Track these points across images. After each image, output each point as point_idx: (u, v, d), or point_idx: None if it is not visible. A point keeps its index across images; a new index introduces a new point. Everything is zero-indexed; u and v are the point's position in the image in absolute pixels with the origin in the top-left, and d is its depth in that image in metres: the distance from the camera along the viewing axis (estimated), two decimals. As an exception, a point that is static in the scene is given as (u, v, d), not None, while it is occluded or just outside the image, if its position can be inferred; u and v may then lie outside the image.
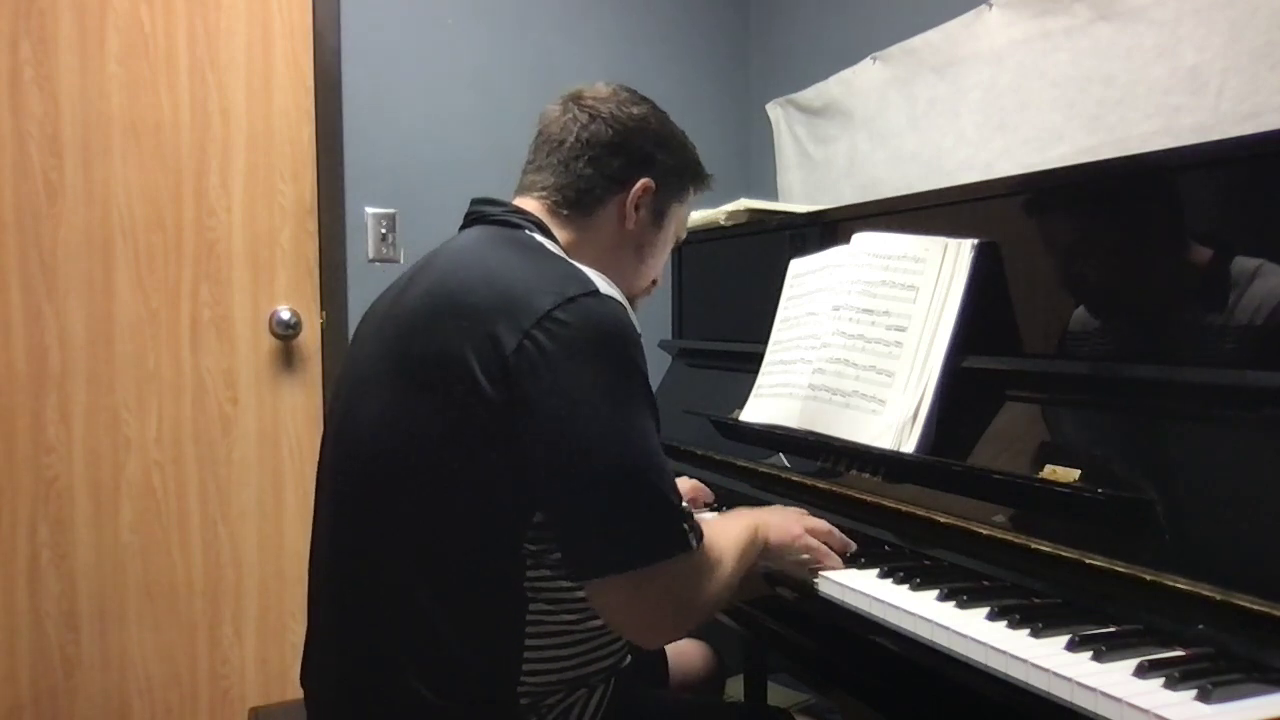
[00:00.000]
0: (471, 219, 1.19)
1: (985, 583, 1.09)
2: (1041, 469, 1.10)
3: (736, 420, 1.65)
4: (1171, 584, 0.91)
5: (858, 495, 1.34)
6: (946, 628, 0.96)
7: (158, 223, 2.19)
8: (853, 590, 1.11)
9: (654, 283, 1.30)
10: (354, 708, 1.07)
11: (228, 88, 2.24)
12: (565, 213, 1.18)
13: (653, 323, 2.36)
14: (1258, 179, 1.03)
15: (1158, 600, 0.92)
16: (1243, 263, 1.03)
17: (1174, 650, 0.87)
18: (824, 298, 1.54)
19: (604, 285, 1.03)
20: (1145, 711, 0.76)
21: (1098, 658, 0.85)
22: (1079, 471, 1.05)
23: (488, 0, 2.51)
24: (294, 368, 2.33)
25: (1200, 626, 0.88)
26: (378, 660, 1.02)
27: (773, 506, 1.27)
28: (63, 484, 2.12)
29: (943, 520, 1.19)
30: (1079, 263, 1.24)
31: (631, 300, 1.24)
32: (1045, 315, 1.26)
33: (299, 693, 1.20)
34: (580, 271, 1.04)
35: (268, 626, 2.31)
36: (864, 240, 1.49)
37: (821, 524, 1.22)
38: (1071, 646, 0.88)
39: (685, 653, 1.52)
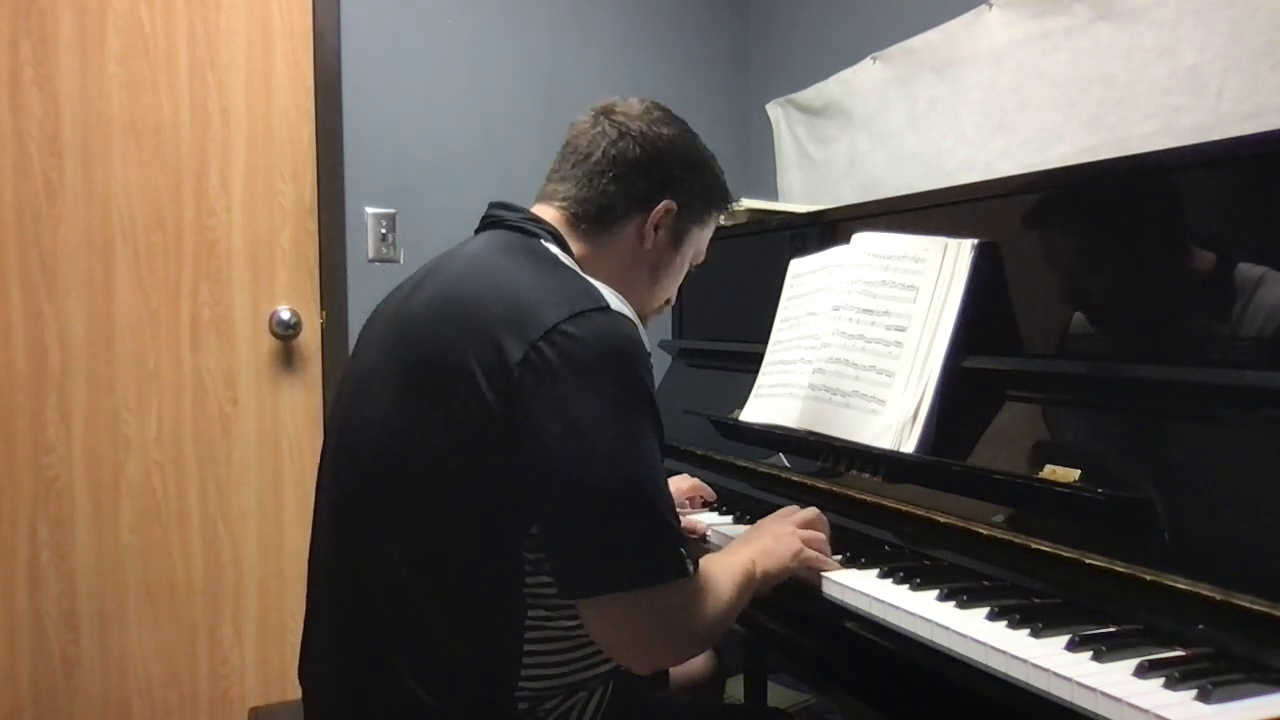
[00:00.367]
0: (487, 223, 1.19)
1: (985, 583, 1.09)
2: (1041, 469, 1.10)
3: (736, 420, 1.65)
4: (1171, 584, 0.91)
5: (858, 495, 1.34)
6: (946, 628, 0.96)
7: (158, 223, 2.19)
8: (853, 590, 1.11)
9: (667, 302, 1.30)
10: (352, 709, 1.07)
11: (228, 88, 2.24)
12: (583, 226, 1.17)
13: (653, 323, 2.36)
14: (1258, 179, 1.03)
15: (1158, 600, 0.92)
16: (1242, 263, 1.03)
17: (1174, 650, 0.87)
18: (824, 298, 1.54)
19: (615, 301, 1.02)
20: (1145, 711, 0.76)
21: (1098, 658, 0.85)
22: (1079, 471, 1.05)
23: (488, 0, 2.51)
24: (294, 368, 2.33)
25: (1200, 626, 0.88)
26: (376, 662, 1.02)
27: (765, 524, 1.23)
28: (63, 484, 2.12)
29: (943, 520, 1.19)
30: (1079, 263, 1.24)
31: (642, 319, 1.23)
32: (1045, 315, 1.26)
33: (299, 693, 1.20)
34: (592, 286, 1.03)
35: (268, 626, 2.31)
36: (864, 240, 1.49)
37: (817, 521, 1.21)
38: (1071, 646, 0.88)
39: (685, 653, 1.52)
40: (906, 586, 1.09)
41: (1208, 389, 1.01)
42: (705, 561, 1.05)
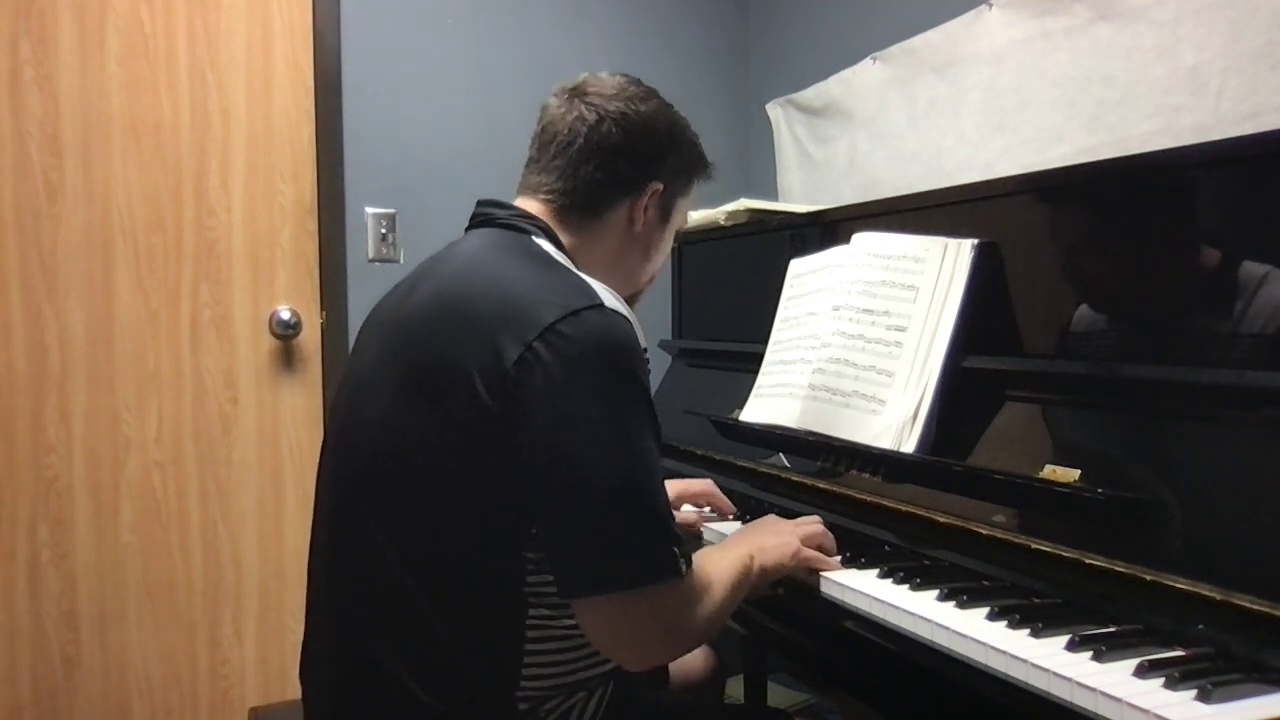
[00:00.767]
0: (477, 221, 1.18)
1: (985, 583, 1.09)
2: (1041, 469, 1.10)
3: (736, 420, 1.65)
4: (1171, 584, 0.91)
5: (858, 495, 1.34)
6: (946, 628, 0.96)
7: (158, 223, 2.18)
8: (853, 590, 1.11)
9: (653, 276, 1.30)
10: (352, 709, 1.07)
11: (228, 88, 2.24)
12: (572, 217, 1.16)
13: (653, 323, 2.35)
14: (1258, 179, 1.03)
15: (1158, 600, 0.92)
16: (1243, 263, 1.03)
17: (1174, 650, 0.87)
18: (824, 298, 1.54)
19: (609, 298, 1.02)
20: (1145, 711, 0.76)
21: (1098, 658, 0.85)
22: (1079, 471, 1.05)
23: (488, 0, 2.51)
24: (294, 368, 2.33)
25: (1200, 626, 0.88)
26: (375, 662, 1.02)
27: (764, 523, 1.24)
28: (63, 484, 2.12)
29: (943, 520, 1.19)
30: (1079, 262, 1.24)
31: (634, 296, 1.23)
32: (1045, 315, 1.26)
33: (299, 693, 1.20)
34: (585, 284, 1.03)
35: (268, 626, 2.31)
36: (864, 240, 1.49)
37: (816, 529, 1.21)
38: (1071, 646, 0.88)
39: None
40: (906, 586, 1.09)
41: (1208, 389, 1.01)
42: (700, 558, 1.05)
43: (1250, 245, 1.02)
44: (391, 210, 2.41)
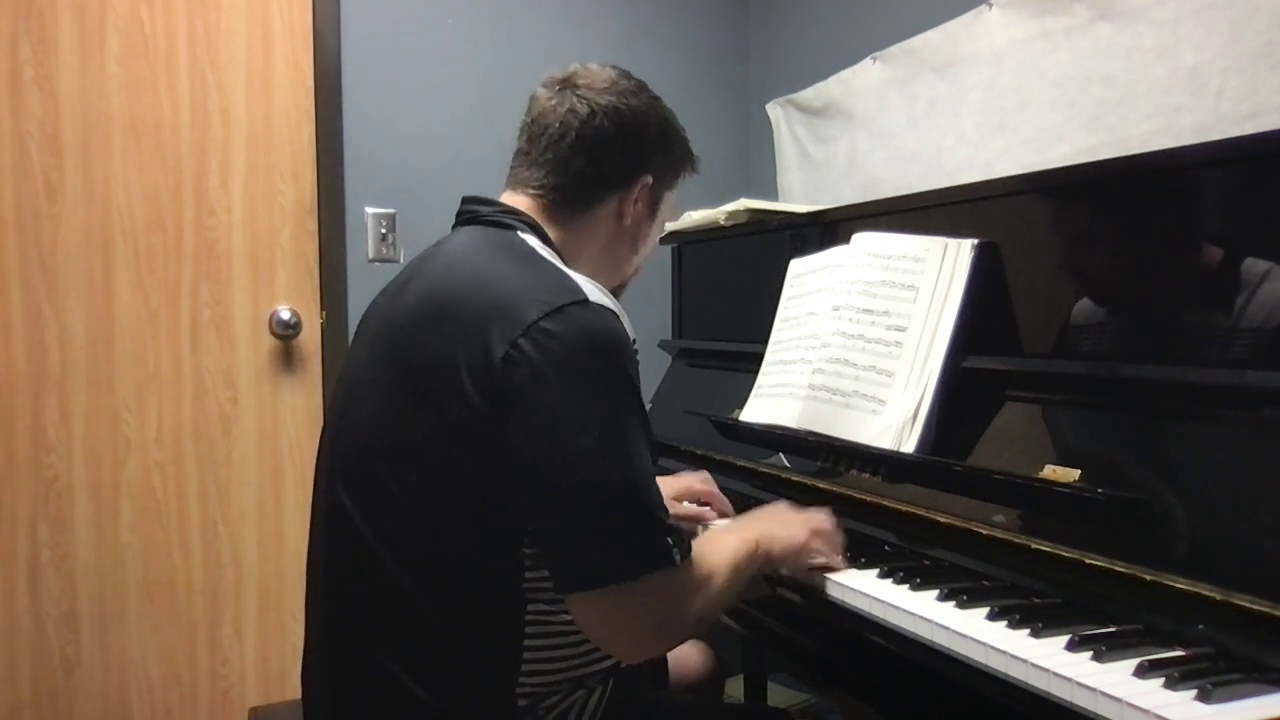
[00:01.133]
0: (464, 218, 1.18)
1: (985, 583, 1.09)
2: (1041, 469, 1.10)
3: (736, 420, 1.65)
4: (1171, 584, 0.91)
5: (858, 495, 1.34)
6: (946, 628, 0.96)
7: (158, 223, 2.18)
8: (853, 590, 1.11)
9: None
10: (351, 709, 1.07)
11: (228, 88, 2.24)
12: (561, 212, 1.16)
13: (653, 323, 2.36)
14: (1258, 179, 1.03)
15: (1158, 600, 0.92)
16: (1242, 263, 1.03)
17: (1174, 650, 0.87)
18: (824, 298, 1.54)
19: (594, 292, 1.02)
20: (1145, 711, 0.76)
21: (1098, 658, 0.85)
22: (1079, 471, 1.05)
23: (488, 0, 2.51)
24: (294, 368, 2.33)
25: (1200, 626, 0.88)
26: (374, 662, 1.02)
27: (776, 509, 1.23)
28: (63, 484, 2.12)
29: (943, 520, 1.19)
30: (1079, 262, 1.24)
31: (620, 287, 1.23)
32: (1045, 315, 1.26)
33: (299, 693, 1.20)
34: (570, 279, 1.03)
35: (268, 626, 2.31)
36: (864, 240, 1.49)
37: (828, 523, 1.20)
38: (1071, 646, 0.88)
39: (685, 653, 1.52)
40: (906, 586, 1.09)
41: (1208, 389, 1.01)
42: (701, 543, 1.05)
43: (1250, 245, 1.02)
44: (391, 210, 2.41)
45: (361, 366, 1.10)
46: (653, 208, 1.23)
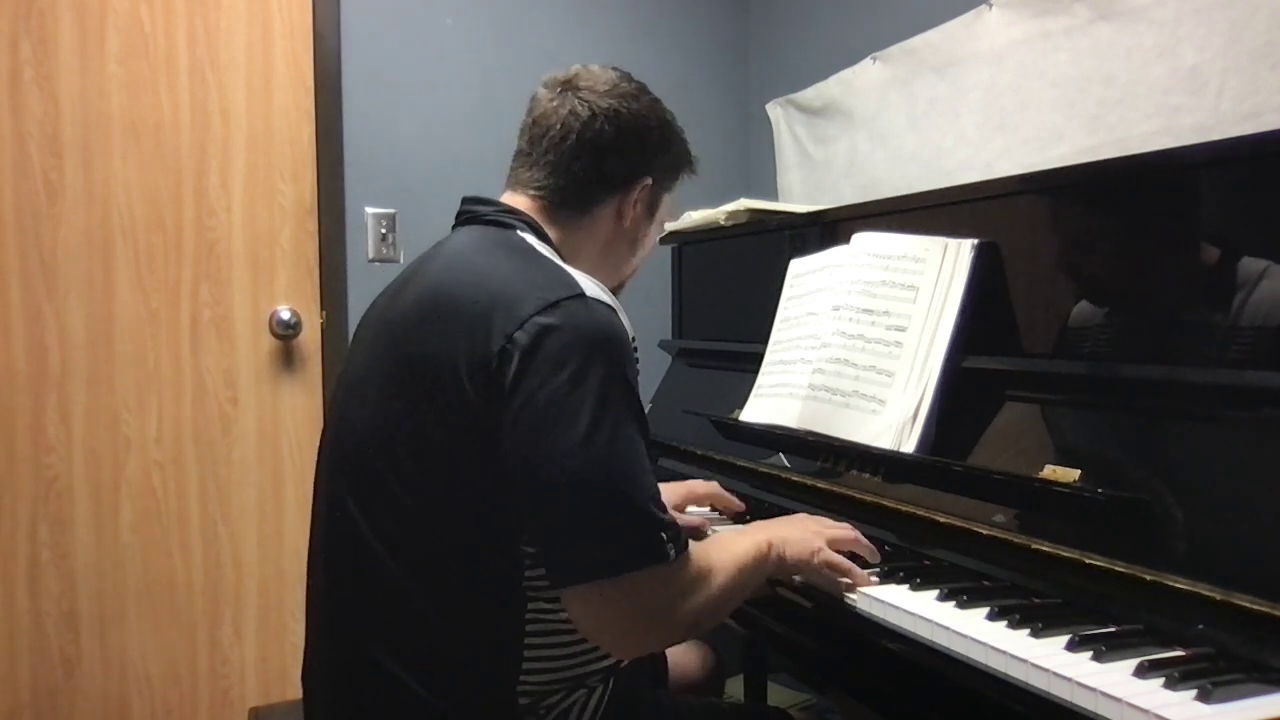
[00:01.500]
0: (463, 219, 1.19)
1: (985, 583, 1.09)
2: (1041, 469, 1.10)
3: (736, 420, 1.65)
4: (1171, 584, 0.91)
5: (857, 495, 1.34)
6: (946, 628, 0.96)
7: (158, 223, 2.18)
8: (852, 590, 1.11)
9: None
10: (351, 709, 1.07)
11: (228, 88, 2.24)
12: (561, 212, 1.16)
13: (653, 323, 2.36)
14: (1258, 179, 1.03)
15: (1158, 600, 0.92)
16: (1242, 263, 1.03)
17: (1174, 650, 0.87)
18: (824, 298, 1.54)
19: (591, 288, 1.02)
20: (1145, 711, 0.76)
21: (1098, 658, 0.85)
22: (1079, 471, 1.05)
23: (488, 0, 2.51)
24: (294, 368, 2.33)
25: (1200, 626, 0.88)
26: (374, 662, 1.02)
27: (793, 518, 1.22)
28: (63, 484, 2.12)
29: (943, 520, 1.19)
30: (1079, 262, 1.24)
31: (618, 286, 1.23)
32: (1045, 315, 1.26)
33: (299, 693, 1.20)
34: (567, 274, 1.03)
35: (268, 626, 2.31)
36: (864, 240, 1.49)
37: (846, 533, 1.18)
38: (1071, 646, 0.88)
39: (685, 653, 1.52)
40: (906, 586, 1.09)
41: (1208, 389, 1.01)
42: (704, 544, 1.05)
43: (1250, 245, 1.02)
44: (391, 210, 2.41)
45: (361, 366, 1.11)
46: (652, 209, 1.24)
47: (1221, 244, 1.06)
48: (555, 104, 1.16)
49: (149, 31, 2.16)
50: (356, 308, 2.35)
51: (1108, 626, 0.93)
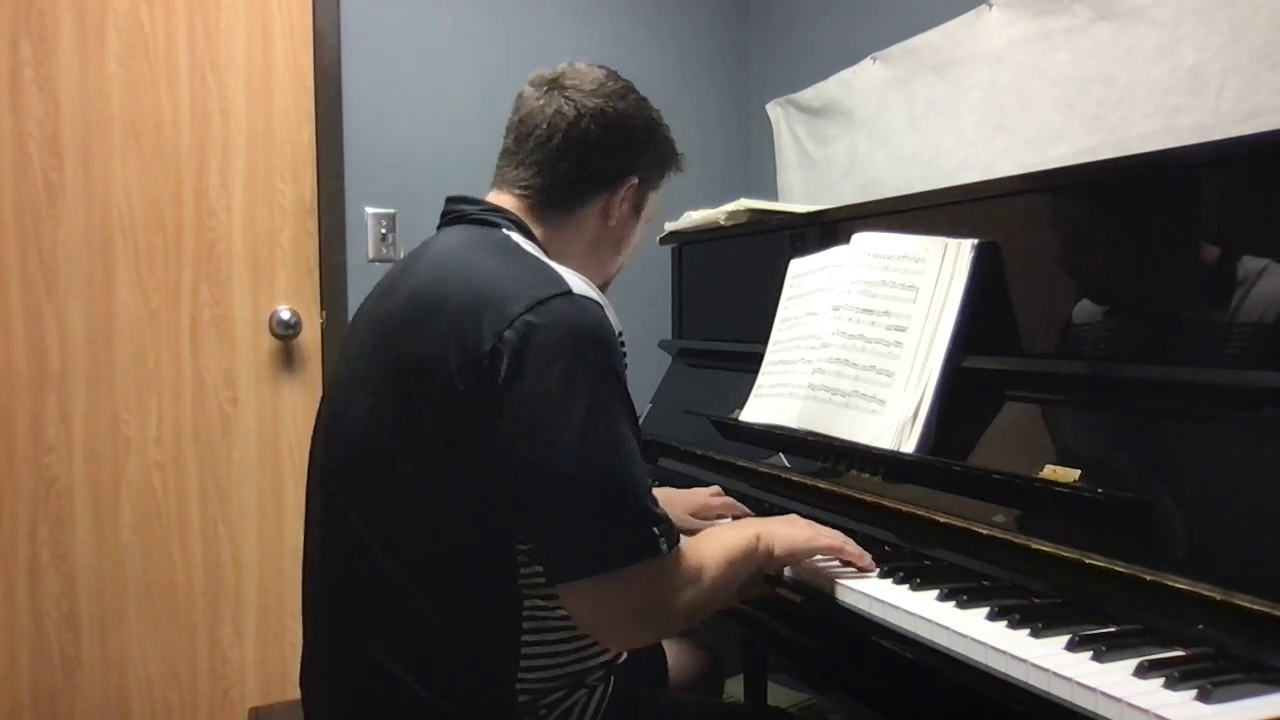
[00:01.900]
0: (449, 218, 1.19)
1: (985, 583, 1.09)
2: (1041, 469, 1.10)
3: (736, 420, 1.65)
4: (1171, 584, 0.91)
5: (858, 495, 1.34)
6: (946, 628, 0.96)
7: (158, 223, 2.18)
8: (853, 590, 1.11)
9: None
10: (350, 709, 1.07)
11: (228, 88, 2.24)
12: (548, 211, 1.17)
13: (653, 323, 2.36)
14: (1258, 179, 1.03)
15: (1158, 600, 0.92)
16: (1242, 263, 1.03)
17: (1174, 650, 0.87)
18: (824, 298, 1.54)
19: (578, 285, 1.02)
20: (1145, 711, 0.76)
21: (1098, 658, 0.85)
22: (1079, 471, 1.05)
23: (488, 1, 2.51)
24: (294, 368, 2.33)
25: (1200, 626, 0.88)
26: (373, 661, 1.02)
27: (784, 517, 1.22)
28: (63, 484, 2.12)
29: (943, 520, 1.19)
30: (1079, 262, 1.24)
31: (604, 285, 1.23)
32: (1045, 315, 1.26)
33: (299, 693, 1.20)
34: (554, 272, 1.03)
35: (268, 626, 2.31)
36: (864, 240, 1.49)
37: (833, 539, 1.17)
38: (1071, 646, 0.88)
39: (684, 653, 1.52)
40: (906, 586, 1.09)
41: (1208, 389, 1.01)
42: (697, 538, 1.05)
43: (1250, 245, 1.02)
44: (391, 210, 2.41)
45: (352, 366, 1.11)
46: (638, 207, 1.24)
47: (1221, 244, 1.06)
48: (541, 103, 1.16)
49: (149, 31, 2.16)
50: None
51: (1108, 626, 0.93)
